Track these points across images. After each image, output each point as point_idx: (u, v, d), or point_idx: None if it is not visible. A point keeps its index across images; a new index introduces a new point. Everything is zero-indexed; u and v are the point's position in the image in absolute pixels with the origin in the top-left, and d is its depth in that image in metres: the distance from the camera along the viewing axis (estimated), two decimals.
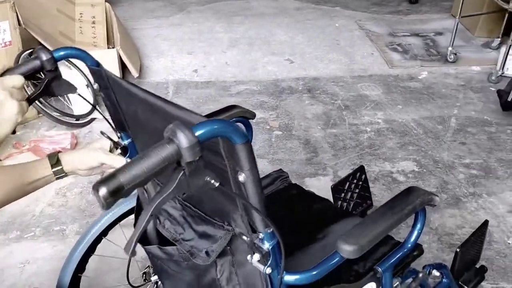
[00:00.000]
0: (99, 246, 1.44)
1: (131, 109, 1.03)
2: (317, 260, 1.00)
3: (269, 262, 0.88)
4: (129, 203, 1.44)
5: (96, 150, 1.14)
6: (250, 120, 1.57)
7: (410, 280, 1.34)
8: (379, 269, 1.14)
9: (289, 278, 0.94)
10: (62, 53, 1.02)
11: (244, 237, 0.90)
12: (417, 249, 1.29)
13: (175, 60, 3.95)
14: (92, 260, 1.44)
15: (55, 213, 2.27)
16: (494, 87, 3.45)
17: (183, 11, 5.01)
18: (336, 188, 1.85)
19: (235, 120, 1.53)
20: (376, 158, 2.71)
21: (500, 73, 3.55)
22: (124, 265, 1.30)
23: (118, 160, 1.12)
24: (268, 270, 0.89)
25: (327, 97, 3.39)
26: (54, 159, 1.11)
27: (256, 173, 0.79)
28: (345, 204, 1.84)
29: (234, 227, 0.92)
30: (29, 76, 0.99)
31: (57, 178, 1.12)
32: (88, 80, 2.85)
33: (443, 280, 1.45)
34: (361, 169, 1.92)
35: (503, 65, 3.55)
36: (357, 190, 1.88)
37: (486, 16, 4.21)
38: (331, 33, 4.47)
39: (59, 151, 1.15)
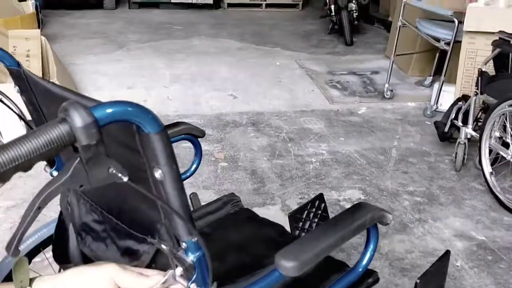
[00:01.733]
0: None
1: (52, 110, 0.94)
2: None
3: (194, 277, 0.76)
4: (53, 226, 1.22)
5: (106, 267, 0.73)
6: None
7: None
8: None
9: None
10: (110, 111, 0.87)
11: (164, 246, 0.78)
12: (372, 276, 1.19)
13: (114, 94, 3.84)
14: None
15: None
16: (430, 121, 3.59)
17: (123, 48, 4.94)
18: (294, 217, 1.74)
19: (182, 138, 1.45)
20: (322, 187, 2.70)
21: (434, 107, 3.70)
22: None
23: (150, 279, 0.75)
24: (193, 286, 0.76)
25: (271, 130, 3.38)
26: None
27: (175, 170, 0.70)
28: (303, 233, 1.74)
29: (158, 240, 0.80)
30: None
31: None
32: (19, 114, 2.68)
33: None
34: (319, 197, 1.82)
35: (437, 100, 3.71)
36: (316, 220, 1.78)
37: (418, 56, 4.44)
38: (273, 71, 4.53)
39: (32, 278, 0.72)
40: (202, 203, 1.60)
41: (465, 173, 2.89)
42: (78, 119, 0.55)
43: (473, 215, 2.49)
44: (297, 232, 1.72)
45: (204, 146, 3.11)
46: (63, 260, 1.03)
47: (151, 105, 3.70)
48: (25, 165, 0.55)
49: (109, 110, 0.60)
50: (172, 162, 0.69)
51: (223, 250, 1.29)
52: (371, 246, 1.03)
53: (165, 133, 0.67)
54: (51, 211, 1.14)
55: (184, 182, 1.55)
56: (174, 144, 1.48)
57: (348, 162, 3.00)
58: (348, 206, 2.53)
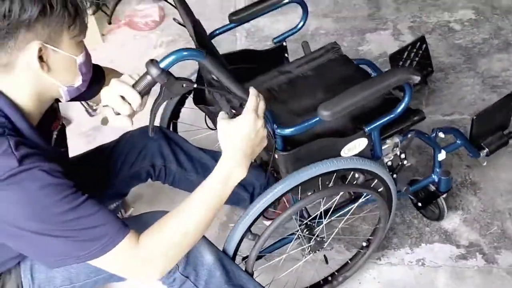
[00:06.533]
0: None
1: None
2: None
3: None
4: None
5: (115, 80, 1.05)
6: None
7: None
8: (366, 128, 1.33)
9: (281, 130, 1.24)
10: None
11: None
12: (418, 114, 1.47)
13: None
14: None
15: None
16: None
17: None
18: (394, 57, 1.93)
19: (290, 1, 1.73)
20: (436, 9, 2.85)
21: None
22: None
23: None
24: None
25: None
26: None
27: (223, 74, 1.09)
28: None
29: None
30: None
31: None
32: None
33: (457, 141, 1.67)
34: (421, 39, 1.93)
35: None
36: (416, 59, 1.97)
37: None
38: None
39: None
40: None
41: None
42: (152, 72, 0.98)
43: None
44: None
45: None
46: (200, 102, 1.57)
47: None
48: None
49: (167, 60, 0.99)
50: (221, 70, 1.09)
51: (316, 89, 1.67)
52: (406, 99, 1.32)
53: (210, 58, 1.06)
54: None
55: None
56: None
57: None
58: (457, 27, 2.71)
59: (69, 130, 2.37)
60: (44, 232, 0.92)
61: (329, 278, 1.65)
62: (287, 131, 1.25)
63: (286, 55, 1.84)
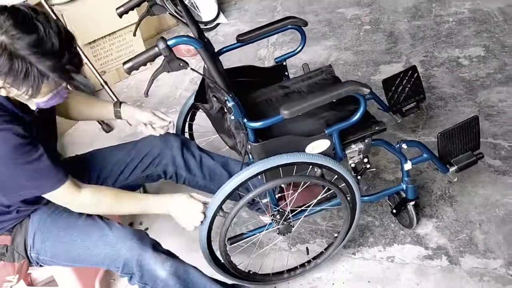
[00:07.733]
0: None
1: None
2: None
3: (233, 113, 1.50)
4: None
5: (149, 111, 1.80)
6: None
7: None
8: (326, 131, 1.58)
9: (251, 123, 1.51)
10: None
11: (220, 99, 1.55)
12: (379, 125, 1.68)
13: None
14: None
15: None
16: None
17: None
18: (387, 83, 2.11)
19: (289, 28, 2.05)
20: (448, 46, 3.08)
21: None
22: None
23: (161, 121, 1.81)
24: (232, 117, 1.50)
25: None
26: (118, 105, 1.80)
27: (211, 65, 1.43)
28: (395, 95, 2.10)
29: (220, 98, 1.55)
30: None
31: (116, 117, 1.81)
32: None
33: (424, 155, 1.85)
34: (413, 68, 2.13)
35: None
36: (408, 85, 2.13)
37: None
38: None
39: (122, 102, 1.83)
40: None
41: None
42: (160, 46, 1.32)
43: None
44: (389, 93, 2.13)
45: (355, 11, 3.64)
46: (200, 101, 1.88)
47: None
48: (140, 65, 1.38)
49: (173, 40, 1.35)
50: (210, 62, 1.44)
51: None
52: (361, 109, 1.56)
53: (203, 49, 1.41)
54: None
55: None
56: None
57: (484, 20, 3.24)
58: (465, 62, 2.92)
59: (111, 135, 2.83)
60: (9, 175, 1.36)
61: (305, 264, 1.89)
62: (254, 124, 1.53)
63: (286, 73, 2.13)
